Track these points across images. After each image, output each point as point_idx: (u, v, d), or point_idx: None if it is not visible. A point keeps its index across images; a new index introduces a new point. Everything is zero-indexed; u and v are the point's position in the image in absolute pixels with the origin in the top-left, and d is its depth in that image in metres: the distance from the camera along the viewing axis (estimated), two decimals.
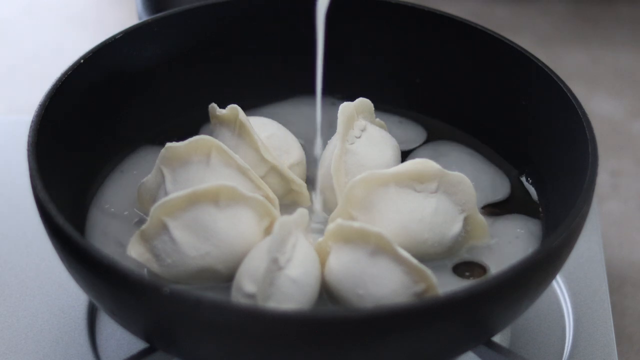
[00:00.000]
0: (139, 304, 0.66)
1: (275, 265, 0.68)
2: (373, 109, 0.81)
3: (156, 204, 0.72)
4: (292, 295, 0.69)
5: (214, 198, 0.72)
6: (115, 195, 0.80)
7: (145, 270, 0.73)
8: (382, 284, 0.69)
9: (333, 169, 0.77)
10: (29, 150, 0.72)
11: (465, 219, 0.75)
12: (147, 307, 0.66)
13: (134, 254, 0.72)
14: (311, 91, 0.78)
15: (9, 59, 1.23)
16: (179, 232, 0.71)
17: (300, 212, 0.71)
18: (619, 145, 1.10)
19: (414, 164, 0.74)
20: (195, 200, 0.71)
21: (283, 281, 0.68)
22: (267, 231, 0.73)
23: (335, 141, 0.79)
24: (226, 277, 0.71)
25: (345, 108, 0.79)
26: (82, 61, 0.79)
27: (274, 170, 0.77)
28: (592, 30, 1.27)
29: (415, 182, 0.74)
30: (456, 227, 0.75)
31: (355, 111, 0.79)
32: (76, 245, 0.67)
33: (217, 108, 0.80)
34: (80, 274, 0.69)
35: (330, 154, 0.78)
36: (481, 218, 0.75)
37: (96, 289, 0.69)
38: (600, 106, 1.16)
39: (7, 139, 0.97)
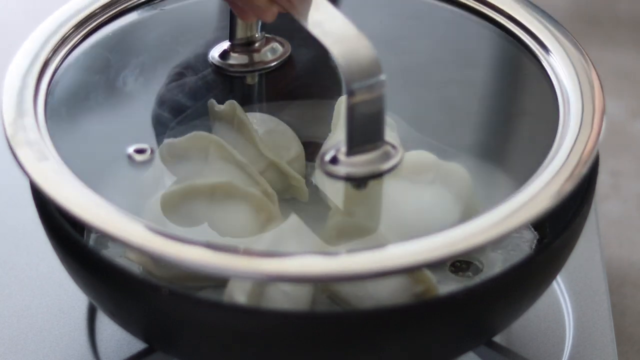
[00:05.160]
0: (138, 305, 0.66)
1: None
2: None
3: (151, 200, 0.72)
4: (282, 307, 0.68)
5: (210, 193, 0.72)
6: (115, 195, 0.80)
7: (143, 272, 0.73)
8: (381, 285, 0.69)
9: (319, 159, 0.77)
10: None
11: (464, 211, 0.75)
12: (146, 308, 0.66)
13: (132, 256, 0.72)
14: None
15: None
16: (174, 228, 0.71)
17: (294, 221, 0.70)
18: (619, 145, 1.10)
19: (409, 155, 0.74)
20: (190, 196, 0.71)
21: (273, 292, 0.68)
22: (264, 226, 0.72)
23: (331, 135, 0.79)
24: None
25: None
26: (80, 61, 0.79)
27: (272, 165, 0.77)
28: (592, 30, 1.27)
29: (412, 173, 0.74)
30: (454, 218, 0.74)
31: None
32: (75, 246, 0.67)
33: (216, 104, 0.79)
34: (79, 275, 0.69)
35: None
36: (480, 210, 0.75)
37: (95, 290, 0.69)
38: None
39: None
